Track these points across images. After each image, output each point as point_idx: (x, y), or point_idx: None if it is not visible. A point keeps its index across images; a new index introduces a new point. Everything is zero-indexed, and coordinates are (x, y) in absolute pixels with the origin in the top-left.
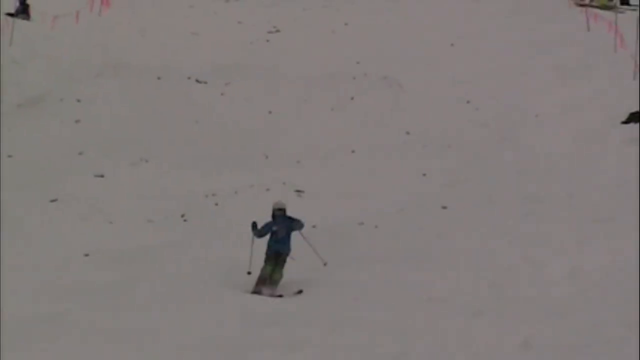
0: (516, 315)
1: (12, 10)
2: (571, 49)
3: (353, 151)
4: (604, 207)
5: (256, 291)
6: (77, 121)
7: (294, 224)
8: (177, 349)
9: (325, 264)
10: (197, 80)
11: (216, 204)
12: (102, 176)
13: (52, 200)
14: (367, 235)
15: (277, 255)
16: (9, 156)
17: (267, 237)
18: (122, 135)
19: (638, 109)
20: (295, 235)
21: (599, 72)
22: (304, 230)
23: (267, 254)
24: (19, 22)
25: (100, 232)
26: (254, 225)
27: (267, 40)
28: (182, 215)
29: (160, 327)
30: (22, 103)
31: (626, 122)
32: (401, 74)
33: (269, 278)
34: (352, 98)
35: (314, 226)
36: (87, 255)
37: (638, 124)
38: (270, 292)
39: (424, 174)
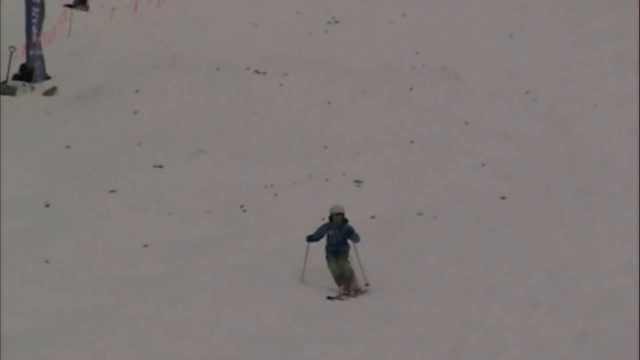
0: (572, 307)
1: (71, 2)
2: (625, 40)
3: (412, 142)
4: None
5: (342, 292)
6: (135, 112)
7: (352, 236)
8: (231, 341)
9: (367, 285)
10: (256, 71)
11: (275, 195)
12: (160, 167)
13: (111, 192)
14: (425, 226)
15: (335, 253)
16: (67, 147)
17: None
18: (180, 127)
19: None
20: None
21: None
22: (358, 244)
23: (326, 254)
24: (77, 13)
25: (158, 224)
26: (309, 238)
27: (326, 31)
28: (241, 206)
29: (216, 319)
30: (80, 94)
31: None
32: (459, 65)
33: (342, 272)
34: (410, 89)
35: (372, 217)
36: (145, 246)
37: None
38: (354, 286)
39: (483, 164)
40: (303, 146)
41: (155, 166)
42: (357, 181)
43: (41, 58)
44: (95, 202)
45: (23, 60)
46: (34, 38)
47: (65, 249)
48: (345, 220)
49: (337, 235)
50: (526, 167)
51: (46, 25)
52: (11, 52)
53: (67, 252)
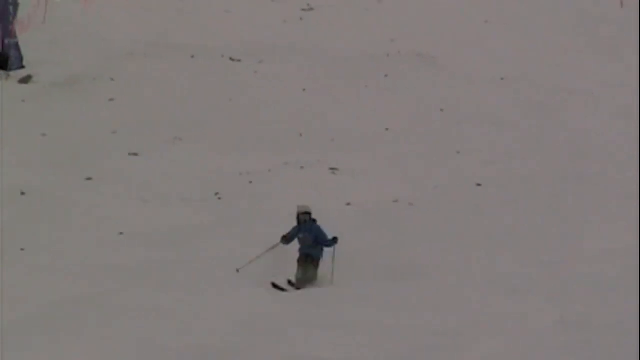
0: (553, 292)
1: None
2: (605, 25)
3: (387, 129)
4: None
5: (294, 287)
6: (110, 100)
7: (326, 242)
8: (215, 329)
9: (331, 283)
10: (231, 59)
11: (250, 182)
12: (136, 155)
13: (87, 179)
14: (402, 214)
15: (306, 257)
16: (43, 135)
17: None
18: (156, 115)
19: None
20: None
21: (632, 47)
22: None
23: (299, 256)
24: (56, 0)
25: (134, 211)
26: (283, 238)
27: (301, 19)
28: (217, 194)
29: (197, 308)
30: (56, 82)
31: None
32: (435, 51)
33: (304, 280)
34: (386, 75)
35: (348, 204)
36: (121, 234)
37: None
38: (299, 286)
39: (458, 152)
40: (278, 134)
41: (130, 154)
42: (333, 169)
43: (16, 46)
44: (72, 190)
45: None
46: (9, 26)
47: (41, 238)
48: (314, 220)
49: (307, 239)
50: (505, 153)
51: (21, 12)
52: None
53: (43, 241)
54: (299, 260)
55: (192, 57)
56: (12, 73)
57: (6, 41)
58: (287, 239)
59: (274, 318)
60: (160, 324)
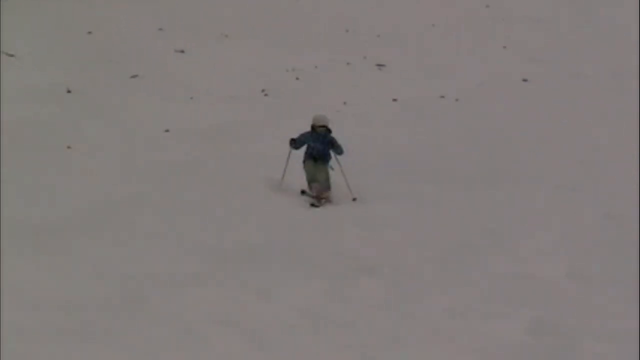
0: (598, 189)
1: None
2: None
3: (433, 25)
4: None
5: (312, 196)
6: None
7: (335, 148)
8: (258, 226)
9: (354, 199)
10: None
11: (297, 79)
12: (182, 52)
13: (132, 77)
14: (448, 109)
15: (315, 158)
16: (89, 33)
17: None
18: (203, 12)
19: None
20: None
21: None
22: (343, 156)
23: (304, 158)
24: None
25: (180, 108)
26: (292, 141)
27: None
28: (263, 91)
29: (236, 203)
30: None
31: None
32: None
33: (316, 179)
34: None
35: (394, 99)
36: (167, 131)
37: None
38: (326, 196)
39: (504, 47)
40: (324, 30)
41: (177, 51)
42: (379, 65)
43: None
44: (117, 88)
45: None
46: None
47: (87, 135)
48: (329, 131)
49: (317, 147)
50: (551, 51)
51: None
52: None
53: (89, 138)
54: (305, 162)
55: None
56: None
57: None
58: (296, 144)
59: (312, 220)
60: (204, 221)
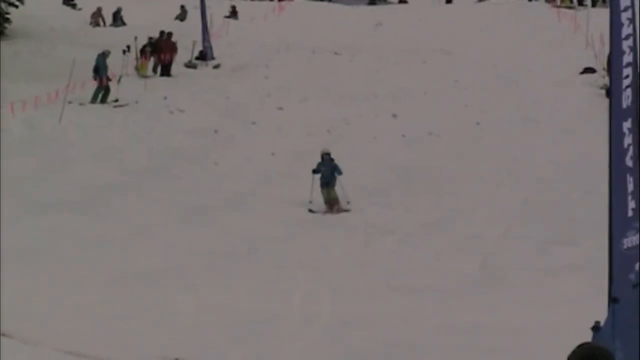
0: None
1: (227, 14)
2: (550, 31)
3: (425, 93)
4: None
5: (327, 211)
6: (266, 77)
7: (336, 170)
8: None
9: (348, 202)
10: (335, 53)
11: (347, 124)
12: (281, 109)
13: (252, 123)
14: (434, 141)
15: (327, 183)
16: (227, 98)
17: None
18: (293, 84)
19: (589, 67)
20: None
21: (566, 45)
22: (342, 176)
23: (320, 184)
24: (232, 21)
25: (281, 141)
26: (314, 171)
27: (377, 26)
28: (328, 131)
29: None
30: (233, 67)
31: (582, 72)
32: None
33: (329, 198)
34: (424, 62)
35: (403, 135)
36: (273, 154)
37: (589, 74)
38: (337, 207)
39: (465, 105)
40: (359, 93)
41: (278, 108)
42: (394, 115)
43: (210, 47)
44: (242, 130)
45: (201, 48)
46: (207, 35)
47: (226, 157)
48: (332, 159)
49: (326, 171)
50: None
51: (213, 27)
52: (194, 44)
53: (227, 158)
54: (321, 188)
55: (313, 52)
56: (208, 62)
57: (205, 44)
58: (315, 171)
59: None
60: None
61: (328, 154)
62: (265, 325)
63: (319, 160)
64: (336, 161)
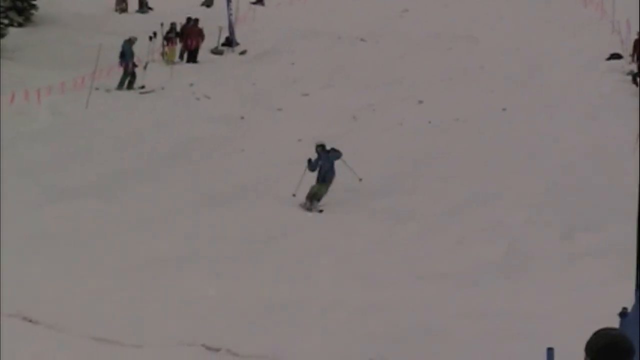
0: None
1: (254, 1)
2: (575, 17)
3: (451, 78)
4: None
5: (304, 204)
6: (292, 64)
7: (333, 155)
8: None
9: (360, 180)
10: (361, 39)
11: (374, 110)
12: (307, 95)
13: (278, 109)
14: (460, 127)
15: (324, 179)
16: (253, 84)
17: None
18: (318, 70)
19: (615, 53)
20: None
21: (591, 30)
22: (343, 157)
23: (317, 178)
24: (257, 7)
25: (306, 126)
26: (309, 160)
27: (402, 13)
28: (354, 117)
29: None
30: (259, 54)
31: (608, 59)
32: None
33: (314, 195)
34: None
35: (429, 122)
36: (299, 140)
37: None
38: (310, 206)
39: (492, 91)
40: (379, 79)
41: (304, 94)
42: (420, 101)
43: (235, 33)
44: (266, 117)
45: (227, 34)
46: (232, 21)
47: (252, 142)
48: (327, 151)
49: (325, 164)
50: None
51: (239, 13)
52: (220, 30)
53: (254, 143)
54: (317, 180)
55: (339, 38)
56: (235, 49)
57: (231, 30)
58: (311, 167)
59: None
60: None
61: (322, 146)
62: (288, 311)
63: (316, 159)
64: (362, 147)
